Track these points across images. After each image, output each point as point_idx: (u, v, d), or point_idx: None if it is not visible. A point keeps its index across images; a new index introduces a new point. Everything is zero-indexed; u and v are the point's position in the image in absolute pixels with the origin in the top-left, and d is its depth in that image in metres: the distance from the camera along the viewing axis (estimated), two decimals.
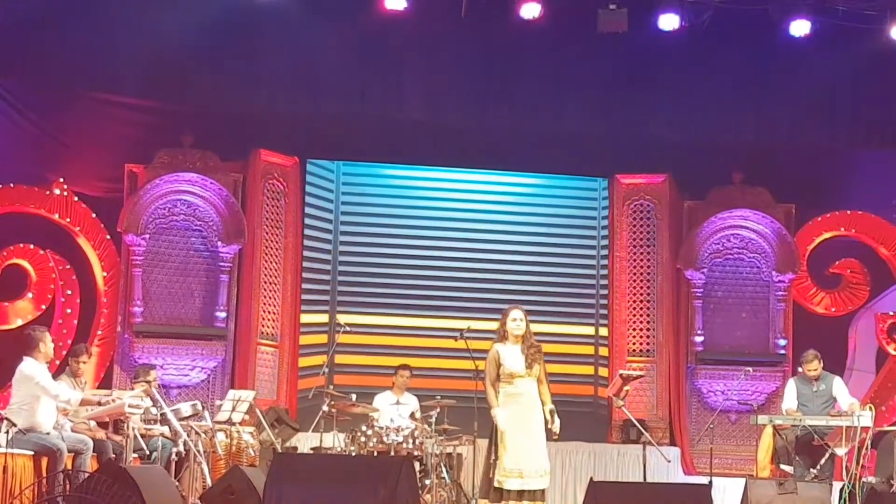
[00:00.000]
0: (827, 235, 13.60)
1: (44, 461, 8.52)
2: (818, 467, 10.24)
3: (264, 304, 12.89)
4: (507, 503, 8.65)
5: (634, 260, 13.60)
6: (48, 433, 8.68)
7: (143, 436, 9.54)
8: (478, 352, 11.74)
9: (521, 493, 8.65)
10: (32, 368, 8.79)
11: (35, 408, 8.67)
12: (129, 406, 9.15)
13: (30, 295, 12.24)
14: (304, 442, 11.68)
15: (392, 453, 10.34)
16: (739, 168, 13.43)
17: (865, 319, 13.45)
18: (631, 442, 12.61)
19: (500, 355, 8.91)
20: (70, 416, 9.24)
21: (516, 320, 9.00)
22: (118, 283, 12.51)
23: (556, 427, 8.90)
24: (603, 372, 13.53)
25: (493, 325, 13.02)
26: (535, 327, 9.41)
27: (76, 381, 9.74)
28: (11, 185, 12.24)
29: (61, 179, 12.40)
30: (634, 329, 13.49)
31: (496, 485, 8.64)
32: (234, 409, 10.63)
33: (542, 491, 8.73)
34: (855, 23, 11.82)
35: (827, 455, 10.26)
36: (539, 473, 8.69)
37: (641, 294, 13.53)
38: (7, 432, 8.34)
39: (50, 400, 8.77)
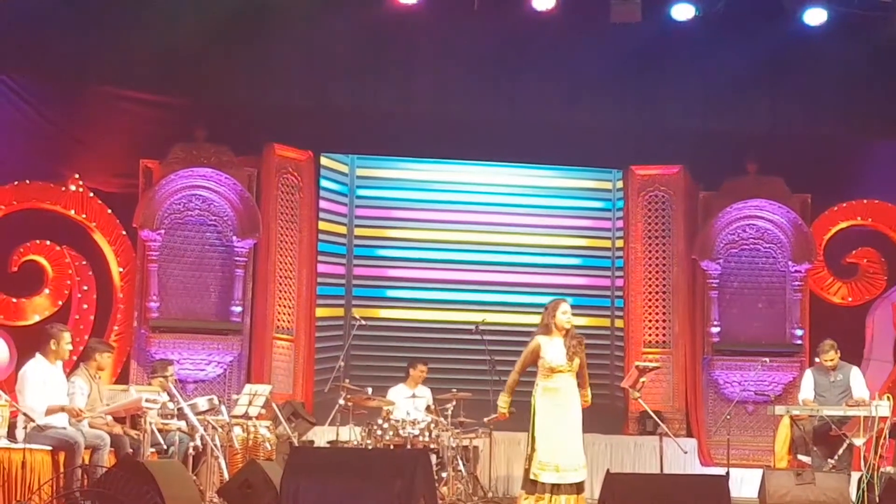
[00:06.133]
0: (843, 225, 13.54)
1: (62, 456, 8.55)
2: (836, 457, 10.22)
3: (280, 298, 12.91)
4: (541, 496, 8.64)
5: (650, 251, 13.57)
6: (64, 427, 8.72)
7: (160, 431, 9.57)
8: (493, 344, 11.81)
9: (556, 487, 8.63)
10: (26, 369, 8.85)
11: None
12: (146, 401, 9.18)
13: (46, 291, 12.29)
14: (321, 436, 11.70)
15: (408, 446, 10.36)
16: (754, 158, 13.37)
17: (882, 309, 13.39)
18: (647, 433, 12.60)
19: (543, 348, 8.85)
20: (83, 419, 9.25)
21: (567, 313, 8.93)
22: (134, 278, 12.55)
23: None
24: (619, 363, 13.51)
25: (509, 318, 13.15)
26: None
27: (92, 376, 9.74)
28: (27, 181, 12.28)
29: (77, 175, 12.44)
30: (650, 320, 13.46)
31: (532, 477, 8.64)
32: (250, 403, 10.65)
33: (580, 484, 8.71)
34: (870, 11, 11.76)
35: (845, 445, 10.24)
36: (575, 467, 8.67)
37: (657, 285, 13.51)
38: (25, 427, 8.39)
39: (56, 396, 8.79)
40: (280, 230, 12.99)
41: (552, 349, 8.84)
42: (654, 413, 10.91)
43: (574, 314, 9.04)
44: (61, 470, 8.44)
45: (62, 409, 8.78)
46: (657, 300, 13.49)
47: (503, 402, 9.03)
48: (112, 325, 12.49)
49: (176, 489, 7.93)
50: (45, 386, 8.80)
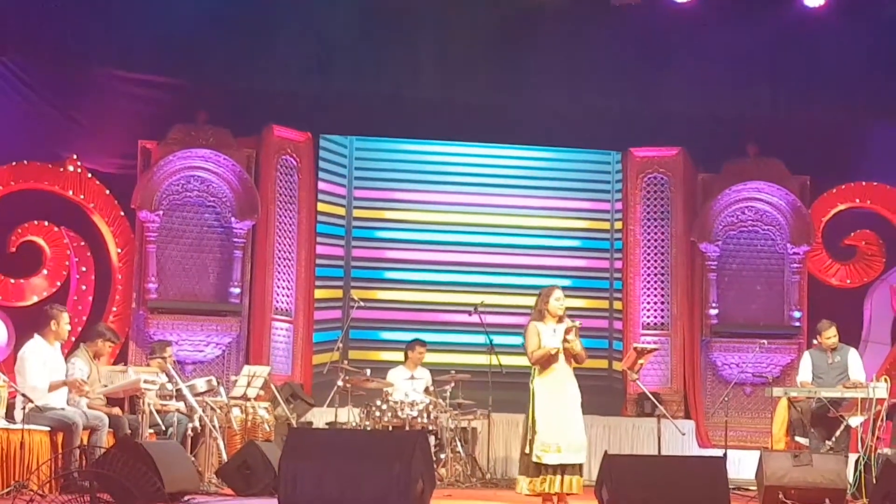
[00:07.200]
0: (842, 207, 13.53)
1: (60, 437, 8.57)
2: (833, 439, 10.23)
3: (278, 279, 12.91)
4: (545, 477, 8.64)
5: (648, 233, 13.57)
6: (63, 408, 8.74)
7: (158, 412, 9.58)
8: (491, 326, 11.82)
9: (558, 468, 8.63)
10: (26, 350, 8.85)
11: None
12: (145, 382, 9.19)
13: (45, 272, 12.30)
14: (319, 417, 11.72)
15: (407, 428, 10.38)
16: (754, 140, 13.35)
17: (880, 291, 13.40)
18: (645, 415, 12.62)
19: (540, 331, 8.87)
20: (86, 392, 9.27)
21: (560, 300, 8.95)
22: (133, 259, 12.55)
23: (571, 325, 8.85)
24: (617, 345, 13.53)
25: (507, 300, 13.15)
26: None
27: (90, 358, 9.75)
28: (25, 162, 12.28)
29: (75, 156, 12.42)
30: (649, 302, 13.46)
31: (535, 460, 8.64)
32: (249, 384, 10.66)
33: (580, 465, 8.72)
34: None
35: (842, 427, 10.24)
36: (576, 448, 8.67)
37: (656, 267, 13.51)
38: (24, 408, 8.40)
39: (55, 376, 8.80)
40: (279, 211, 12.98)
41: (547, 333, 8.89)
42: (653, 395, 10.91)
43: (573, 296, 9.07)
44: (60, 451, 8.47)
45: (64, 384, 8.80)
46: (656, 282, 13.49)
47: (552, 348, 8.84)
48: (110, 307, 12.49)
49: (174, 470, 7.96)
50: (45, 367, 8.82)
